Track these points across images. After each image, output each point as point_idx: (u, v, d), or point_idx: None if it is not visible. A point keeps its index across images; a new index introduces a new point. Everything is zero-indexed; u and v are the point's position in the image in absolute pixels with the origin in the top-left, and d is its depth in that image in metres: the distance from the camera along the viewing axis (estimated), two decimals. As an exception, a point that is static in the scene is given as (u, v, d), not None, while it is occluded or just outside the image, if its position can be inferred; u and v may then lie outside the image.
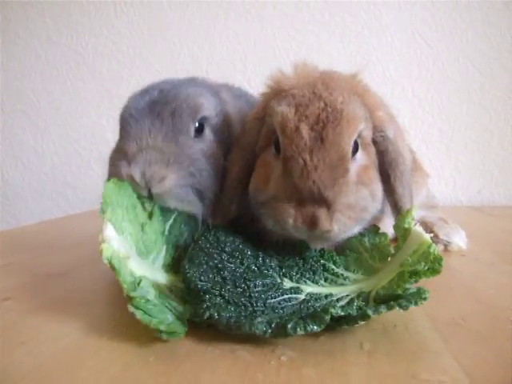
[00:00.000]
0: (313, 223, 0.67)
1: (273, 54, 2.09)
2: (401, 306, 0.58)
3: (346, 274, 0.75)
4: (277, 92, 0.82)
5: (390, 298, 0.64)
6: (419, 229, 0.71)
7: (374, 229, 0.83)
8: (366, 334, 0.61)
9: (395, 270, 0.69)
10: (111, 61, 2.25)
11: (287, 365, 0.54)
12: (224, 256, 0.72)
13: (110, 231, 0.69)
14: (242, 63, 2.11)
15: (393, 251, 0.76)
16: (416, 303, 0.58)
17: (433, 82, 1.99)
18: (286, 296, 0.67)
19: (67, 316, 0.72)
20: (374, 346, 0.58)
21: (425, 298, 0.59)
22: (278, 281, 0.71)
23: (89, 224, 1.58)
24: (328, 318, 0.56)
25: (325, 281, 0.73)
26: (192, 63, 2.16)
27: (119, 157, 0.77)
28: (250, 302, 0.63)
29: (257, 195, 0.78)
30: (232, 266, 0.70)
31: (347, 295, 0.69)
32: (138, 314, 0.60)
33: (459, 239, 1.08)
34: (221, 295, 0.63)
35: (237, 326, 0.57)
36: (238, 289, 0.66)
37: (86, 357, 0.57)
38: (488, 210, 1.79)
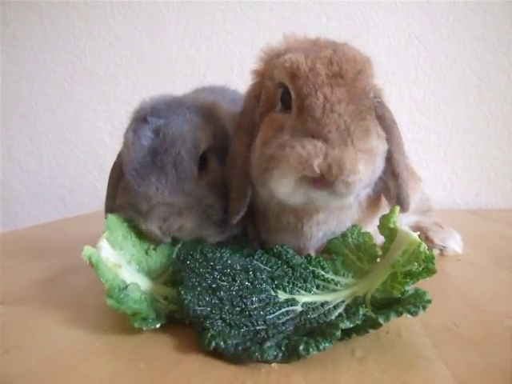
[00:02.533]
0: (331, 163, 0.62)
1: (270, 57, 2.08)
2: (410, 312, 0.57)
3: (336, 278, 0.75)
4: (271, 58, 0.79)
5: (390, 302, 0.63)
6: (405, 228, 0.71)
7: (356, 228, 0.83)
8: (358, 340, 0.60)
9: (386, 272, 0.69)
10: (109, 63, 2.25)
11: (277, 372, 0.53)
12: (216, 274, 0.70)
13: (103, 243, 0.73)
14: (239, 66, 2.11)
15: (380, 252, 0.75)
16: (424, 308, 0.57)
17: (430, 85, 1.99)
18: (283, 310, 0.66)
19: (57, 322, 0.71)
20: (365, 353, 0.57)
21: (429, 301, 0.58)
22: (273, 294, 0.70)
23: (86, 227, 1.57)
24: (339, 333, 0.55)
25: (317, 288, 0.72)
26: (189, 65, 2.16)
27: (133, 214, 0.81)
28: (250, 322, 0.62)
29: (266, 147, 0.71)
30: (225, 283, 0.69)
31: (343, 301, 0.68)
32: (109, 301, 0.63)
33: (454, 244, 1.08)
34: (221, 318, 0.62)
35: (247, 355, 0.54)
36: (236, 308, 0.65)
37: (75, 363, 0.57)
38: (485, 214, 1.78)
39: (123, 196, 0.85)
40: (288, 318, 0.64)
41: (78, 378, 0.53)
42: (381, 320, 0.57)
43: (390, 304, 0.63)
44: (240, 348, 0.55)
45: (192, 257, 0.73)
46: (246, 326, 0.61)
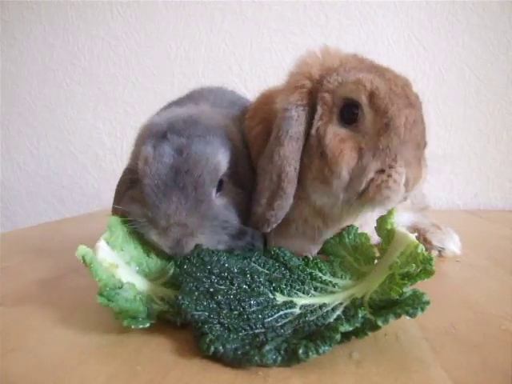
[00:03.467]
0: (415, 184, 0.76)
1: (269, 57, 2.08)
2: (408, 314, 0.57)
3: (334, 280, 0.74)
4: (323, 75, 0.82)
5: (388, 304, 0.63)
6: (403, 229, 0.72)
7: (353, 229, 0.83)
8: (355, 343, 0.60)
9: (384, 273, 0.69)
10: (107, 63, 2.24)
11: (275, 375, 0.53)
12: (213, 278, 0.70)
13: (101, 244, 0.74)
14: (238, 65, 2.11)
15: (377, 253, 0.75)
16: (422, 309, 0.57)
17: (429, 85, 1.99)
18: (281, 312, 0.65)
19: (56, 323, 0.71)
20: (363, 356, 0.57)
21: (427, 302, 0.58)
22: (271, 296, 0.69)
23: (85, 227, 1.57)
24: (338, 336, 0.55)
25: (315, 290, 0.72)
26: (188, 65, 2.16)
27: (145, 224, 0.83)
28: (248, 325, 0.61)
29: (355, 178, 0.75)
30: (223, 287, 0.69)
31: (341, 303, 0.68)
32: (99, 299, 0.64)
33: (453, 245, 1.08)
34: (220, 323, 0.61)
35: (246, 359, 0.54)
36: (234, 312, 0.64)
37: (73, 365, 0.57)
38: (484, 214, 1.78)
39: (134, 205, 0.86)
40: (286, 320, 0.64)
41: (76, 380, 0.53)
42: (380, 322, 0.56)
43: (388, 306, 0.63)
44: (239, 352, 0.55)
45: (189, 261, 0.73)
46: (245, 330, 0.61)
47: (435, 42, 1.96)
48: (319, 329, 0.59)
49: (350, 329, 0.56)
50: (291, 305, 0.67)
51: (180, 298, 0.63)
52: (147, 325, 0.64)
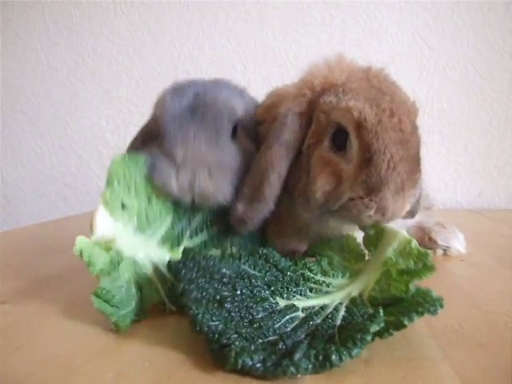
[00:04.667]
0: (385, 212, 0.71)
1: (273, 56, 2.08)
2: (430, 312, 0.57)
3: (327, 280, 0.74)
4: (325, 88, 0.80)
5: (392, 302, 0.63)
6: (392, 226, 0.72)
7: None
8: (363, 341, 0.60)
9: (378, 270, 0.69)
10: (111, 62, 2.24)
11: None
12: (216, 285, 0.65)
13: (100, 214, 0.73)
14: (242, 64, 2.11)
15: (365, 250, 0.75)
16: (441, 306, 0.58)
17: (433, 84, 1.98)
18: (287, 317, 0.63)
19: (62, 320, 0.71)
20: (371, 354, 0.57)
21: (441, 298, 0.59)
22: (273, 301, 0.67)
23: (88, 225, 1.57)
24: (370, 337, 0.54)
25: (310, 291, 0.71)
26: (192, 64, 2.15)
27: (165, 161, 0.79)
28: (262, 333, 0.59)
29: (330, 201, 0.74)
30: (227, 294, 0.64)
31: (340, 303, 0.67)
32: (95, 303, 0.64)
33: (458, 244, 1.07)
34: (236, 332, 0.58)
35: (281, 370, 0.51)
36: (245, 320, 0.61)
37: (80, 363, 0.57)
38: (488, 213, 1.78)
39: (151, 149, 0.82)
40: (293, 325, 0.62)
41: (83, 379, 0.53)
42: (406, 322, 0.56)
43: (392, 304, 0.63)
44: (269, 364, 0.52)
45: (185, 265, 0.67)
46: (260, 338, 0.58)
47: (439, 41, 1.96)
48: (346, 331, 0.58)
49: (378, 328, 0.55)
50: (295, 309, 0.66)
51: (194, 308, 0.59)
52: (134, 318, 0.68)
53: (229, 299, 0.63)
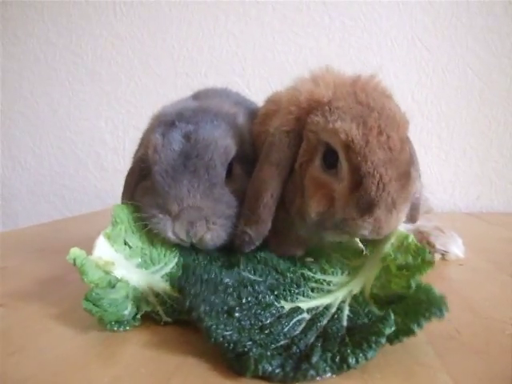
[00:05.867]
0: (380, 231, 0.70)
1: (272, 58, 2.08)
2: (437, 316, 0.57)
3: (327, 278, 0.74)
4: (311, 104, 0.79)
5: (395, 298, 0.63)
6: None
7: None
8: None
9: (377, 266, 0.69)
10: (110, 63, 2.24)
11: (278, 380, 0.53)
12: (222, 295, 0.65)
13: (99, 241, 0.75)
14: (241, 66, 2.11)
15: (362, 246, 0.76)
16: (446, 308, 0.57)
17: (432, 87, 1.98)
18: (294, 320, 0.63)
19: (58, 325, 0.71)
20: (367, 361, 0.57)
21: (443, 297, 0.58)
22: (278, 305, 0.67)
23: (86, 226, 1.57)
24: (384, 339, 0.54)
25: (312, 291, 0.71)
26: (191, 66, 2.16)
27: (161, 213, 0.80)
28: (274, 339, 0.59)
29: (325, 221, 0.75)
30: (234, 303, 0.65)
31: (343, 301, 0.67)
32: (84, 303, 0.65)
33: (456, 248, 1.07)
34: (250, 339, 0.58)
35: (301, 374, 0.52)
36: (255, 327, 0.62)
37: (76, 369, 0.56)
38: (486, 217, 1.78)
39: (146, 196, 0.84)
40: (301, 327, 0.62)
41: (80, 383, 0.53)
42: (414, 328, 0.56)
43: (395, 301, 0.63)
44: (288, 369, 0.53)
45: (187, 281, 0.67)
46: (273, 344, 0.58)
47: (438, 45, 1.96)
48: (361, 332, 0.57)
49: (391, 331, 0.55)
50: (300, 311, 0.66)
51: (207, 320, 0.59)
52: (128, 328, 0.68)
53: (237, 308, 0.63)
